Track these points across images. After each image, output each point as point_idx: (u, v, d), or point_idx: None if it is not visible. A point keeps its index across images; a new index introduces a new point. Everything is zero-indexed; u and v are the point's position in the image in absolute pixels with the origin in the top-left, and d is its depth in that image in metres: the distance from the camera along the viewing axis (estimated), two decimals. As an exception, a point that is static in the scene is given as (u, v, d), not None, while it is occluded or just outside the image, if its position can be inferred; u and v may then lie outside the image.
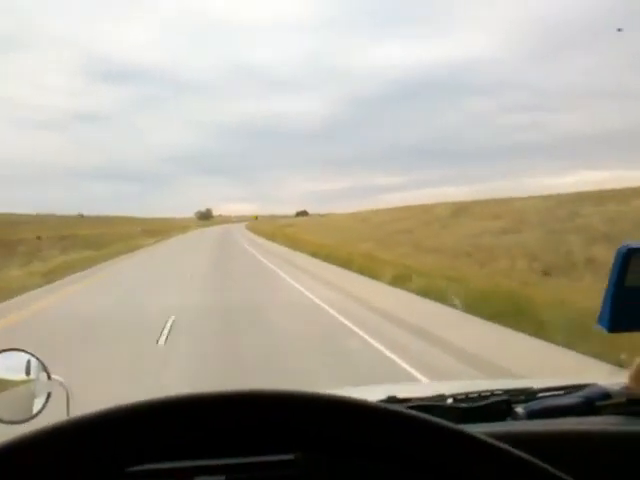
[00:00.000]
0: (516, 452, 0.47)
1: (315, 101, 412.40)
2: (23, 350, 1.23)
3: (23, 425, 1.15)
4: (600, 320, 1.03)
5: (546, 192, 28.69)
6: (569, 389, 1.14)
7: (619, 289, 0.99)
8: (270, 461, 0.90)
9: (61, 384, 1.23)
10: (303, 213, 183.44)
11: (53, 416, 1.18)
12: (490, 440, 0.48)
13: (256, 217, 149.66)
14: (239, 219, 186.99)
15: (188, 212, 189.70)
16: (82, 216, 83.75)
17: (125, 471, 0.46)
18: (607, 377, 1.34)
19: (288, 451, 0.95)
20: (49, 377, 1.22)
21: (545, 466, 0.47)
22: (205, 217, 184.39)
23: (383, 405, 0.50)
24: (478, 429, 0.93)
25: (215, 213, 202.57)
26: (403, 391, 1.15)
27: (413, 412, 0.49)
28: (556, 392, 1.14)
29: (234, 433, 0.48)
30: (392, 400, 1.10)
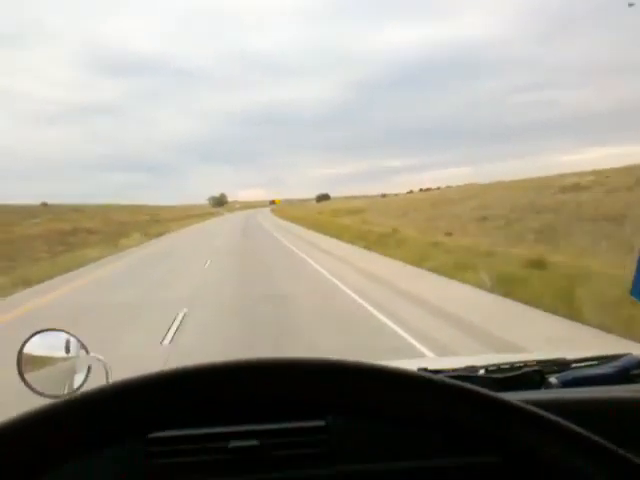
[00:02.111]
0: (553, 417, 0.49)
1: (324, 86, 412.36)
2: (62, 330, 1.31)
3: None
4: (633, 291, 1.06)
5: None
6: (603, 359, 1.16)
7: None
8: (302, 427, 0.96)
9: (100, 361, 1.31)
10: (324, 197, 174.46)
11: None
12: (527, 406, 0.49)
13: (279, 201, 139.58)
14: (256, 204, 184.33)
15: (201, 199, 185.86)
16: (46, 204, 73.04)
17: (167, 436, 0.51)
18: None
19: (319, 417, 1.01)
20: (88, 354, 1.30)
21: (583, 432, 0.48)
22: (219, 203, 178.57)
23: (417, 372, 0.52)
24: (510, 397, 0.97)
25: (229, 199, 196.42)
26: (433, 364, 1.18)
27: (447, 379, 0.51)
28: (590, 362, 1.16)
29: (267, 399, 0.50)
30: (425, 371, 1.14)
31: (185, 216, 76.63)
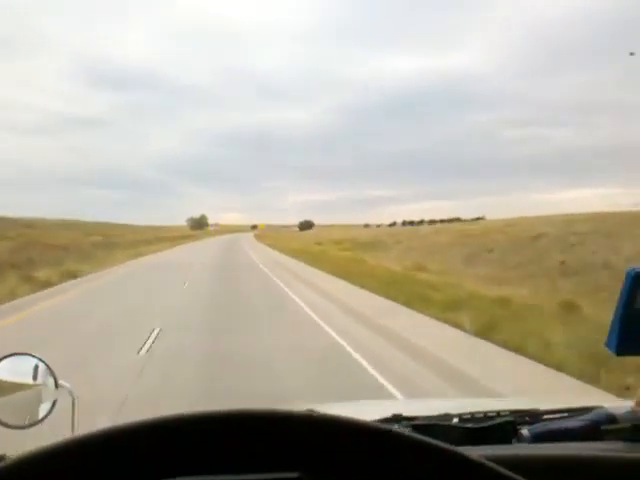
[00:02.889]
0: (517, 478, 0.51)
1: (311, 112, 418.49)
2: (31, 354, 1.29)
3: (28, 430, 1.20)
4: (608, 342, 1.08)
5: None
6: (575, 412, 1.19)
7: (628, 312, 1.03)
8: (275, 478, 0.96)
9: (68, 390, 1.29)
10: (307, 224, 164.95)
11: (59, 422, 1.25)
12: (493, 465, 0.51)
13: (263, 226, 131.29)
14: (237, 228, 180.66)
15: (180, 220, 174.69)
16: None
17: None
18: (613, 401, 1.38)
19: (292, 469, 1.01)
20: (56, 383, 1.28)
21: None
22: (199, 225, 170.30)
23: (387, 427, 0.54)
24: (483, 451, 0.99)
25: (210, 222, 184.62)
26: (409, 408, 1.20)
27: (415, 435, 0.53)
28: (562, 414, 1.19)
29: (240, 450, 0.52)
30: (398, 418, 1.15)
31: (153, 239, 61.95)
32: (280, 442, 0.52)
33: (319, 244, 47.06)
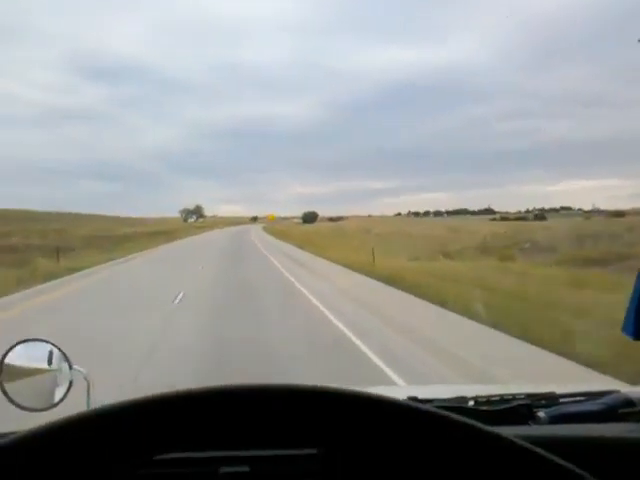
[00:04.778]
0: (542, 452, 0.53)
1: (309, 104, 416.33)
2: (46, 340, 1.33)
3: (45, 413, 1.24)
4: (625, 328, 1.11)
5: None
6: (591, 395, 1.21)
7: None
8: (294, 455, 0.99)
9: (82, 374, 1.32)
10: (312, 216, 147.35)
11: (74, 405, 1.28)
12: (517, 440, 0.53)
13: (273, 217, 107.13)
14: (237, 220, 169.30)
15: (175, 212, 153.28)
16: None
17: (154, 459, 0.53)
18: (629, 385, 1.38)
19: (312, 446, 1.04)
20: (70, 367, 1.31)
21: (571, 466, 0.52)
22: (195, 218, 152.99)
23: (411, 403, 0.55)
24: (500, 432, 1.01)
25: (208, 213, 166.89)
26: (423, 393, 1.22)
27: (442, 411, 0.54)
28: (579, 398, 1.21)
29: (260, 425, 0.53)
30: (414, 400, 1.18)
31: (122, 237, 43.21)
32: (301, 418, 0.53)
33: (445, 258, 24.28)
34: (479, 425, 0.53)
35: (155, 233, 53.72)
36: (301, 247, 32.63)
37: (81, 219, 68.76)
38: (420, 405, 0.54)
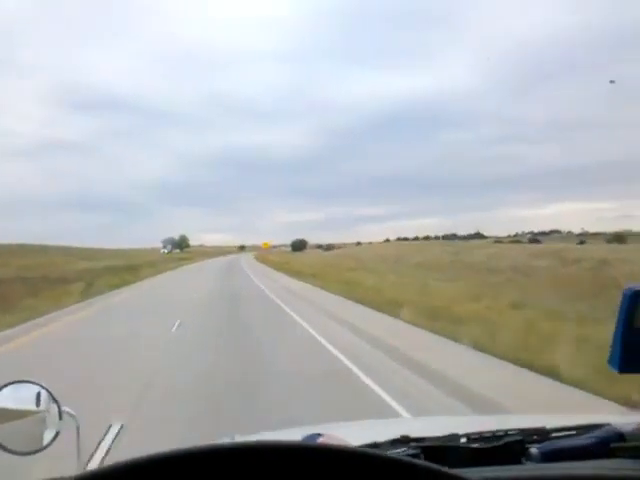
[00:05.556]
0: None
1: (295, 133, 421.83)
2: (34, 382, 1.32)
3: (33, 457, 1.23)
4: (611, 361, 1.13)
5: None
6: (583, 429, 1.23)
7: (627, 330, 1.09)
8: None
9: (71, 416, 1.32)
10: (301, 244, 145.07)
11: (63, 449, 1.28)
12: None
13: (268, 245, 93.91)
14: (224, 250, 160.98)
15: (158, 243, 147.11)
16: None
17: None
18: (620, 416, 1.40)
19: None
20: (59, 409, 1.31)
21: None
22: (178, 247, 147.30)
23: (367, 451, 0.59)
24: (493, 472, 1.02)
25: (194, 242, 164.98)
26: (416, 427, 1.23)
27: (416, 461, 0.58)
28: (570, 432, 1.23)
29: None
30: (405, 439, 1.19)
31: (56, 279, 27.77)
32: (284, 473, 0.55)
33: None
34: (449, 472, 0.56)
35: (112, 269, 39.99)
36: (360, 302, 16.25)
37: (30, 251, 56.78)
38: (372, 451, 0.58)
